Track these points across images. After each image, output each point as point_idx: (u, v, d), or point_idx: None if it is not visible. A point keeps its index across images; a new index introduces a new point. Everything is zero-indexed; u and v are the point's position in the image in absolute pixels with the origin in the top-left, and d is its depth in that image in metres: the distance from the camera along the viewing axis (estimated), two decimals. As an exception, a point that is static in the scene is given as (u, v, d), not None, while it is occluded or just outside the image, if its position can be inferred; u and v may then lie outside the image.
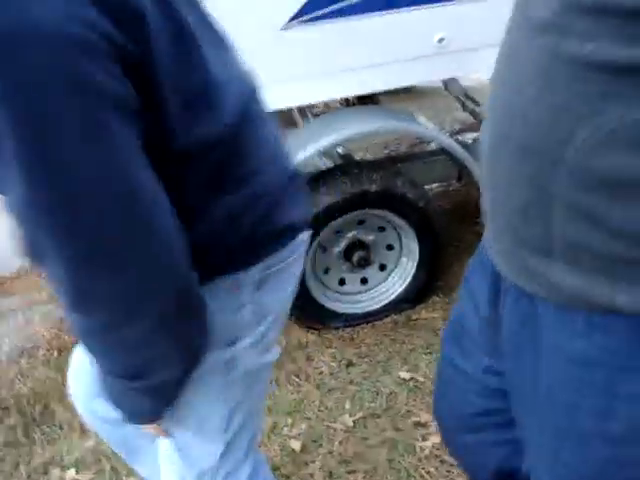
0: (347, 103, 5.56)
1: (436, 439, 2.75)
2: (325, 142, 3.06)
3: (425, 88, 5.96)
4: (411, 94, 5.69)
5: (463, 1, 3.02)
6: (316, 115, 4.20)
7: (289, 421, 2.94)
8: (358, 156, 4.87)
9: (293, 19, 2.88)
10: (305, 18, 2.89)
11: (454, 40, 3.09)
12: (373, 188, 3.16)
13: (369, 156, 5.28)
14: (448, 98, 5.19)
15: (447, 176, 3.72)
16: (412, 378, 3.11)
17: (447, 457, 2.67)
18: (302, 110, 4.09)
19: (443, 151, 3.46)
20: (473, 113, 4.89)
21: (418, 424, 2.86)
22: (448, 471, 2.63)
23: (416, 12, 3.00)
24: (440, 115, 5.65)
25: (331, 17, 2.91)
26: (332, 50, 3.01)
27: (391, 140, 5.50)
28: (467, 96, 4.93)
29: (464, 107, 4.94)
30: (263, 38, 2.89)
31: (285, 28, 2.88)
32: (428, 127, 3.33)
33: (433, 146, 4.35)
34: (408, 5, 2.97)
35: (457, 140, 3.45)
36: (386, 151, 5.38)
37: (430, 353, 3.25)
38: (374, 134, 3.33)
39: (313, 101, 3.45)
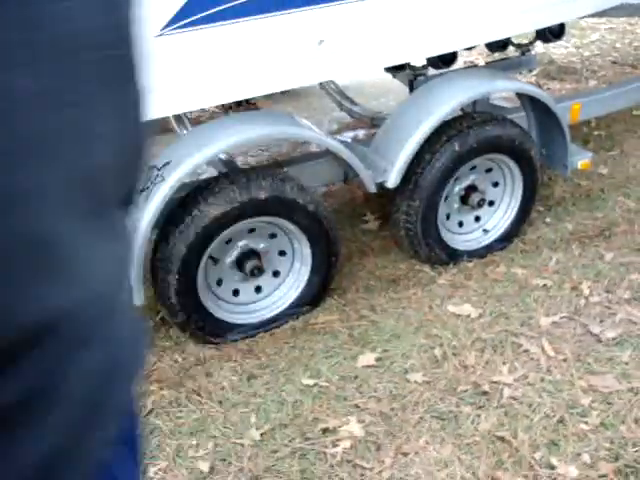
0: (224, 107, 5.49)
1: (346, 444, 2.74)
2: (212, 151, 2.99)
3: (301, 89, 5.97)
4: (286, 95, 5.68)
5: (341, 2, 3.01)
6: (192, 120, 4.10)
7: (194, 442, 2.84)
8: (239, 160, 4.81)
9: (167, 26, 2.78)
10: (179, 24, 2.80)
11: (334, 42, 3.08)
12: (262, 195, 3.11)
13: (250, 159, 5.23)
14: (323, 98, 5.22)
15: (334, 177, 3.71)
16: (315, 384, 3.08)
17: (359, 460, 2.67)
18: (178, 116, 4.00)
19: (328, 152, 3.45)
20: (350, 112, 4.94)
21: (326, 430, 2.83)
22: (361, 475, 2.62)
23: (294, 15, 2.97)
24: (317, 115, 5.66)
25: (206, 22, 2.84)
26: (209, 56, 2.94)
27: (271, 142, 5.46)
28: (343, 95, 4.98)
29: (341, 107, 4.99)
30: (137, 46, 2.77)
31: (159, 35, 2.78)
32: (314, 130, 3.31)
33: (316, 147, 4.34)
34: (285, 8, 2.94)
35: (340, 141, 3.45)
36: (267, 154, 5.33)
37: (331, 356, 3.24)
38: (262, 140, 3.29)
39: (192, 109, 3.37)
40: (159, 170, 3.02)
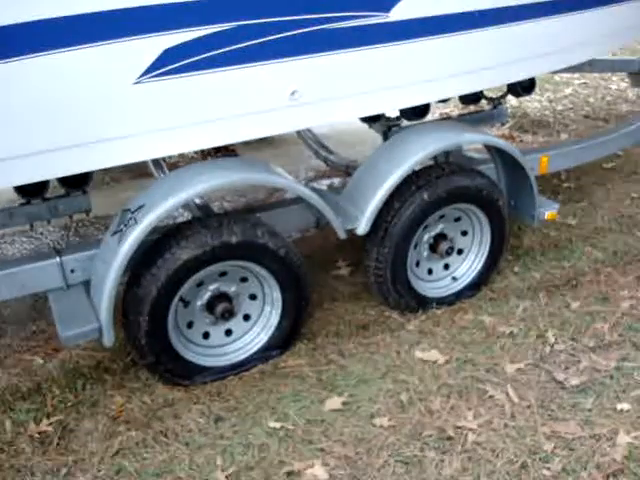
0: (202, 153, 5.58)
1: (310, 487, 2.76)
2: (185, 195, 3.04)
3: (278, 136, 6.07)
4: (265, 142, 5.78)
5: (314, 55, 3.12)
6: (171, 165, 4.18)
7: (159, 483, 2.85)
8: (215, 205, 4.88)
9: (145, 73, 2.87)
10: (158, 72, 2.88)
11: (307, 92, 3.18)
12: (234, 240, 3.17)
13: (226, 204, 5.30)
14: (301, 146, 5.32)
15: (306, 224, 3.78)
16: (282, 427, 3.10)
17: (322, 505, 2.68)
18: (156, 161, 4.07)
19: (300, 199, 3.52)
20: (326, 160, 5.04)
21: (291, 473, 2.85)
22: (324, 519, 2.64)
23: (268, 66, 3.07)
24: (294, 163, 5.76)
25: (184, 71, 2.92)
26: (186, 103, 3.02)
27: (248, 188, 5.54)
28: (320, 144, 5.09)
29: (317, 155, 5.09)
30: (116, 92, 2.85)
31: (137, 82, 2.87)
32: (285, 178, 3.38)
33: (290, 194, 4.42)
34: (260, 59, 3.03)
35: (312, 188, 3.52)
36: (243, 199, 5.41)
37: (299, 400, 3.27)
38: (234, 186, 3.35)
39: (168, 154, 3.43)
40: (132, 213, 3.07)
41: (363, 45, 3.29)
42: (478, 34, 3.64)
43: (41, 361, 3.68)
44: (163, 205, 3.01)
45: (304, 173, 5.88)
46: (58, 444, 3.10)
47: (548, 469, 2.81)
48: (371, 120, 4.84)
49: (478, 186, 3.75)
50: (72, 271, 3.29)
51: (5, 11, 2.56)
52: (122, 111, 2.93)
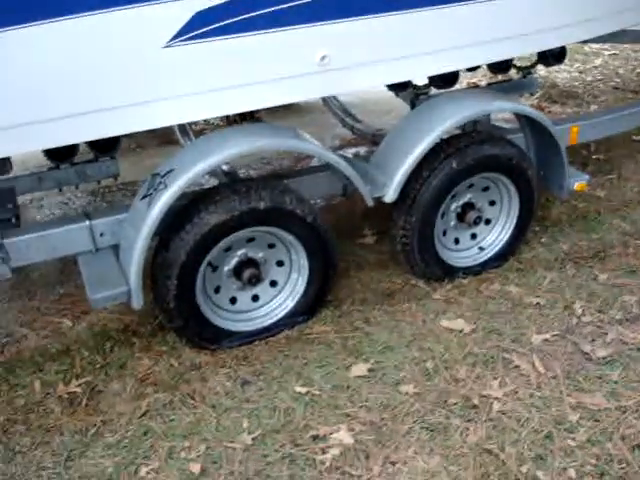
0: (228, 120, 5.57)
1: (335, 451, 2.79)
2: (215, 160, 3.05)
3: (305, 104, 6.05)
4: (291, 110, 5.76)
5: (344, 20, 3.09)
6: (197, 132, 4.18)
7: (186, 444, 2.89)
8: (241, 172, 4.89)
9: (176, 37, 2.86)
10: (188, 36, 2.87)
11: (336, 58, 3.15)
12: (262, 205, 3.17)
13: (252, 172, 5.30)
14: (327, 114, 5.30)
15: (333, 191, 3.77)
16: (308, 392, 3.13)
17: (348, 468, 2.71)
18: (183, 127, 4.07)
19: (328, 166, 3.51)
20: (352, 129, 5.02)
21: (317, 437, 2.88)
22: (349, 482, 2.67)
23: (298, 30, 3.04)
24: (320, 131, 5.73)
25: (214, 35, 2.91)
26: (216, 68, 3.01)
27: (274, 155, 5.53)
28: (346, 112, 5.06)
29: (344, 123, 5.06)
30: (146, 55, 2.85)
31: (168, 46, 2.86)
32: (315, 144, 3.37)
33: (316, 161, 4.41)
34: (290, 24, 3.01)
35: (341, 155, 3.51)
36: (269, 166, 5.40)
37: (324, 366, 3.29)
38: (263, 152, 3.35)
39: (196, 119, 3.43)
40: (162, 178, 3.08)
41: (393, 10, 3.25)
42: (506, 1, 3.59)
43: (69, 323, 3.73)
44: (192, 169, 3.02)
45: (330, 141, 5.85)
46: (86, 405, 3.15)
47: (573, 439, 2.81)
48: (399, 88, 4.81)
49: (508, 155, 3.72)
50: (101, 235, 3.31)
51: (38, -28, 2.56)
52: (152, 75, 2.93)
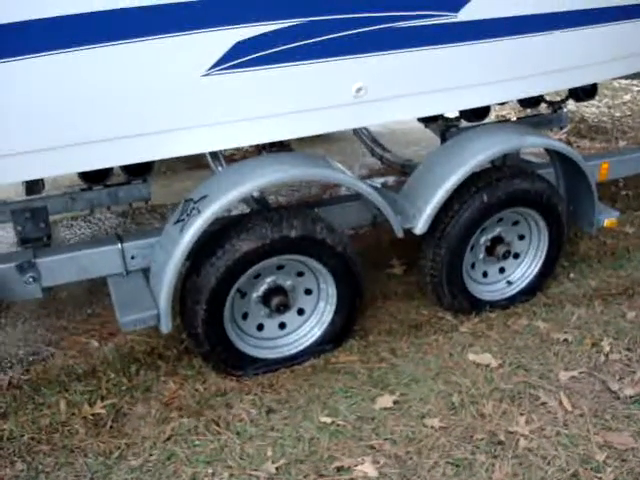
0: (257, 147, 5.61)
1: (360, 483, 2.77)
2: (248, 188, 3.07)
3: (334, 133, 6.08)
4: (319, 138, 5.79)
5: (380, 53, 3.12)
6: (227, 158, 4.21)
7: (210, 470, 2.88)
8: (270, 199, 4.91)
9: (214, 66, 2.90)
10: (227, 65, 2.91)
11: (372, 90, 3.18)
12: (293, 234, 3.19)
13: (281, 199, 5.33)
14: (355, 143, 5.33)
15: (362, 221, 3.79)
16: (333, 422, 3.11)
17: (372, 501, 2.69)
18: (214, 153, 4.10)
19: (357, 196, 3.53)
20: (381, 159, 5.04)
21: (341, 469, 2.86)
22: (373, 515, 2.64)
23: (335, 62, 3.08)
24: (348, 160, 5.76)
25: (253, 65, 2.95)
26: (253, 96, 3.05)
27: (303, 183, 5.56)
28: (375, 142, 5.08)
29: (372, 153, 5.09)
30: (185, 84, 2.89)
31: (207, 74, 2.90)
32: (346, 174, 3.39)
33: (345, 190, 4.43)
34: (328, 55, 3.04)
35: (371, 185, 3.53)
36: (297, 193, 5.43)
37: (350, 396, 3.28)
38: (296, 180, 3.37)
39: (230, 147, 3.46)
40: (195, 203, 3.11)
41: (429, 45, 3.28)
42: (543, 38, 3.61)
43: (96, 344, 3.75)
44: (226, 197, 3.04)
45: (358, 170, 5.88)
46: (111, 427, 3.15)
47: (600, 479, 2.78)
48: (429, 120, 4.83)
49: (538, 190, 3.71)
50: (132, 257, 3.35)
51: None
52: (189, 102, 2.97)
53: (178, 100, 2.95)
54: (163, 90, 2.91)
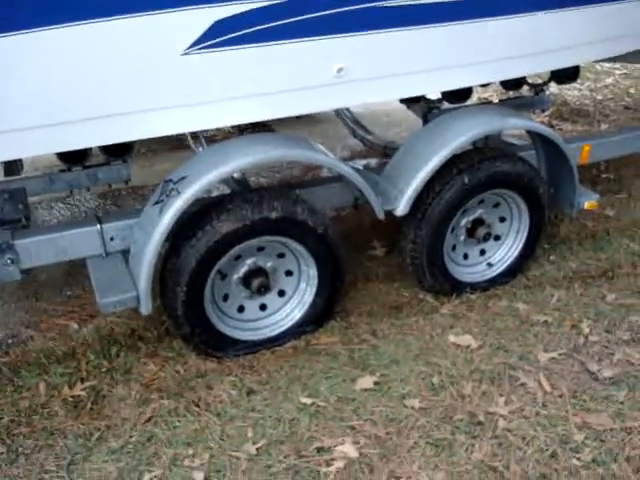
0: (239, 128, 5.58)
1: (340, 464, 2.78)
2: (228, 169, 3.06)
3: (315, 114, 6.06)
4: (301, 120, 5.77)
5: (362, 33, 3.09)
6: (209, 139, 4.18)
7: (190, 452, 2.88)
8: (251, 180, 4.89)
9: (193, 45, 2.87)
10: (206, 44, 2.88)
11: (353, 70, 3.16)
12: (274, 215, 3.17)
13: (262, 180, 5.31)
14: (337, 124, 5.31)
15: (344, 202, 3.78)
16: (313, 403, 3.12)
17: (351, 481, 2.70)
18: (195, 134, 4.07)
19: (339, 177, 3.51)
20: (363, 140, 5.03)
21: (321, 449, 2.87)
22: (353, 495, 2.66)
23: (315, 42, 3.05)
24: (330, 141, 5.75)
25: (232, 44, 2.92)
26: (233, 76, 3.02)
27: (284, 164, 5.54)
28: (357, 123, 5.07)
29: (354, 134, 5.07)
30: (164, 63, 2.86)
31: (185, 54, 2.87)
32: (328, 155, 3.37)
33: (327, 172, 4.41)
34: (308, 35, 3.02)
35: (353, 167, 3.51)
36: (279, 175, 5.41)
37: (330, 377, 3.28)
38: (277, 161, 3.35)
39: (211, 127, 3.44)
40: (175, 184, 3.09)
41: (411, 25, 3.26)
42: (524, 19, 3.59)
43: (76, 326, 3.73)
44: (206, 178, 3.02)
45: (340, 152, 5.86)
46: (91, 409, 3.15)
47: (578, 459, 2.80)
48: (411, 101, 4.82)
49: (519, 172, 3.72)
50: (112, 239, 3.32)
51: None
52: (169, 82, 2.94)
53: (157, 79, 2.92)
54: (142, 69, 2.87)
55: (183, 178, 3.08)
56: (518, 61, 3.73)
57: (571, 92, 7.72)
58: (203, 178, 3.01)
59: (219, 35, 2.87)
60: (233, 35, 2.89)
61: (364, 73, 3.23)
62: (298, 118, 5.42)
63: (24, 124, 2.78)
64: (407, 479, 2.73)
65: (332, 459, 2.82)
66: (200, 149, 3.72)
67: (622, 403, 3.10)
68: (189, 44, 2.85)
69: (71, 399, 3.19)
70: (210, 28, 2.84)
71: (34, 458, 2.89)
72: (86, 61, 2.76)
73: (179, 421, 3.05)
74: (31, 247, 3.21)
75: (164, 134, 3.10)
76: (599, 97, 7.70)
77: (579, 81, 7.55)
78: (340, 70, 3.14)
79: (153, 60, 2.87)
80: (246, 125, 5.44)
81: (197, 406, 3.13)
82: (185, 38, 2.84)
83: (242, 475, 2.76)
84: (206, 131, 4.10)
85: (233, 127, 5.78)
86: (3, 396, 3.21)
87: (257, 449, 2.88)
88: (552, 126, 6.57)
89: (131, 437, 2.98)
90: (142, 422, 3.05)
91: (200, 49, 2.88)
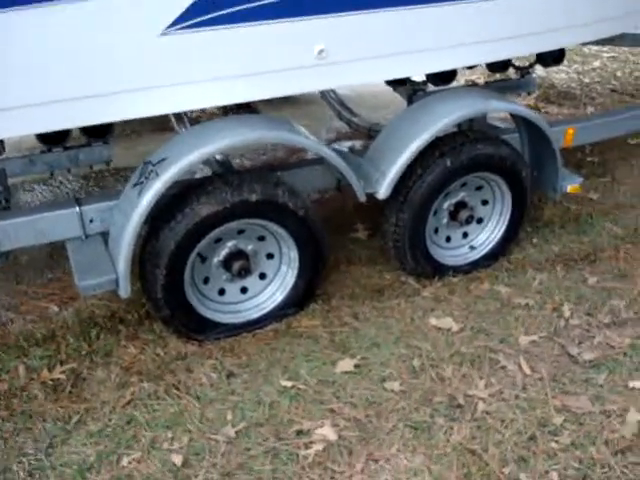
0: (224, 109, 5.54)
1: (319, 447, 2.78)
2: (208, 150, 3.03)
3: (301, 96, 6.02)
4: (287, 102, 5.73)
5: (342, 14, 3.07)
6: (193, 120, 4.15)
7: (169, 435, 2.88)
8: (235, 162, 4.86)
9: (172, 25, 2.83)
10: (185, 24, 2.85)
11: (334, 52, 3.13)
12: (254, 197, 3.15)
13: (246, 162, 5.28)
14: (323, 106, 5.28)
15: (326, 185, 3.76)
16: (293, 386, 3.12)
17: (330, 464, 2.71)
18: (178, 115, 4.04)
19: (321, 160, 3.50)
20: (349, 122, 4.99)
21: (301, 432, 2.87)
22: (332, 478, 2.66)
23: (296, 23, 3.02)
24: (316, 123, 5.71)
25: (211, 24, 2.89)
26: (212, 57, 3.00)
27: (268, 146, 5.51)
28: (343, 105, 5.03)
29: (340, 116, 5.04)
30: (142, 43, 2.83)
31: (164, 34, 2.84)
32: (308, 137, 3.35)
33: (311, 154, 4.39)
34: (288, 16, 2.99)
35: (334, 149, 3.49)
36: (263, 157, 5.38)
37: (311, 360, 3.28)
38: (257, 143, 3.33)
39: (191, 108, 3.41)
40: (154, 166, 3.06)
41: (393, 6, 3.23)
42: (508, 0, 3.57)
43: (56, 309, 3.71)
44: (185, 159, 3.00)
45: (325, 134, 5.84)
46: (70, 392, 3.14)
47: (557, 442, 2.81)
48: (396, 83, 4.79)
49: (502, 155, 3.71)
50: (91, 221, 3.30)
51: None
52: (148, 62, 2.91)
53: (136, 59, 2.89)
54: (121, 49, 2.84)
55: (162, 160, 3.06)
56: (502, 43, 3.71)
57: (558, 75, 7.71)
58: (183, 160, 2.99)
59: (198, 15, 2.85)
60: (212, 15, 2.87)
61: (346, 55, 3.20)
62: (284, 99, 5.40)
63: (4, 104, 2.74)
64: (385, 462, 2.74)
65: (311, 442, 2.82)
66: (183, 130, 3.69)
67: (602, 386, 3.11)
68: (167, 24, 2.82)
69: (50, 382, 3.18)
70: (188, 8, 2.80)
71: (12, 441, 2.88)
72: (65, 41, 2.73)
73: (159, 404, 3.04)
74: (9, 229, 3.18)
75: (145, 115, 3.07)
76: (586, 80, 7.69)
77: (566, 64, 7.56)
78: (321, 51, 3.11)
79: (132, 40, 2.84)
80: (230, 107, 5.42)
81: (177, 389, 3.12)
82: (163, 18, 2.81)
83: (221, 458, 2.76)
84: (190, 112, 4.08)
85: (218, 109, 5.76)
86: (-18, 379, 3.19)
87: (236, 432, 2.88)
88: (538, 109, 6.55)
89: (110, 420, 2.97)
90: (121, 405, 3.04)
91: (178, 29, 2.85)
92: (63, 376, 3.20)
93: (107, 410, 3.02)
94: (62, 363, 3.28)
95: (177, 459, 2.74)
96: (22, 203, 4.83)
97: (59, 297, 3.82)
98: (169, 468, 2.71)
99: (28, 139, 3.85)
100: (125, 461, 2.75)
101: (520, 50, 4.03)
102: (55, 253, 4.13)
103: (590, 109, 6.73)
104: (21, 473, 2.73)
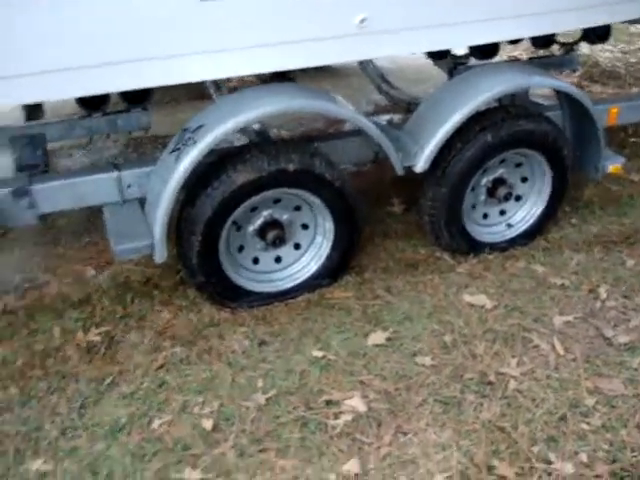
0: (261, 79, 5.51)
1: (348, 417, 2.79)
2: (245, 118, 3.02)
3: (341, 68, 5.98)
4: (326, 73, 5.70)
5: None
6: (231, 89, 4.13)
7: (200, 399, 2.91)
8: (273, 132, 4.85)
9: (213, -9, 2.82)
10: (225, -10, 2.83)
11: (376, 21, 3.09)
12: (291, 167, 3.14)
13: (284, 132, 5.26)
14: (362, 79, 5.22)
15: (363, 157, 3.73)
16: (324, 356, 3.13)
17: (359, 435, 2.71)
18: (217, 83, 4.03)
19: (360, 132, 3.47)
20: (388, 95, 4.94)
21: (330, 402, 2.88)
22: (359, 449, 2.66)
23: (338, -9, 2.99)
24: (354, 95, 5.67)
25: (253, -9, 2.86)
26: (254, 24, 2.97)
27: (306, 117, 5.49)
28: (382, 78, 4.97)
29: (379, 89, 4.98)
30: (183, 8, 2.81)
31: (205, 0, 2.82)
32: (347, 108, 3.32)
33: (349, 126, 4.36)
34: (331, -16, 2.95)
35: (373, 121, 3.46)
36: (302, 128, 5.36)
37: (342, 332, 3.28)
38: (295, 112, 3.30)
39: (231, 75, 3.39)
40: (192, 133, 3.06)
41: (438, -24, 3.18)
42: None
43: (93, 272, 3.76)
44: (222, 127, 2.99)
45: (364, 106, 5.79)
46: (104, 354, 3.18)
47: (587, 424, 2.78)
48: (437, 56, 4.73)
49: (544, 132, 3.64)
50: (129, 186, 3.32)
51: None
52: (188, 28, 2.90)
53: (177, 25, 2.88)
54: (161, 15, 2.83)
55: (200, 127, 3.06)
56: (546, 17, 3.63)
57: (603, 54, 7.55)
58: (220, 127, 2.99)
59: (240, -19, 2.82)
60: (254, -19, 2.84)
61: (387, 24, 3.16)
62: (323, 71, 5.36)
63: (44, 67, 2.76)
64: (414, 435, 2.74)
65: (340, 412, 2.83)
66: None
67: (636, 370, 3.07)
68: (209, -10, 2.80)
69: (85, 344, 3.22)
70: (231, -26, 2.78)
71: (46, 400, 2.93)
72: (106, 5, 2.72)
73: (190, 369, 3.07)
74: (48, 192, 3.22)
75: (184, 81, 3.07)
76: (632, 60, 7.52)
77: (612, 43, 7.38)
78: (363, 20, 3.07)
79: (174, 6, 2.82)
80: (268, 76, 5.40)
81: (209, 355, 3.15)
82: (205, -16, 2.79)
83: (250, 424, 2.78)
84: (228, 80, 4.06)
85: (255, 78, 5.74)
86: (18, 339, 3.25)
87: (266, 399, 2.90)
88: (582, 87, 6.42)
89: (142, 383, 3.00)
90: (154, 369, 3.08)
91: (221, -5, 2.83)
92: (97, 338, 3.25)
93: (139, 373, 3.05)
94: (97, 326, 3.33)
95: (207, 424, 2.77)
96: (61, 168, 4.88)
97: (95, 261, 3.86)
98: (199, 432, 2.74)
99: (68, 104, 3.87)
100: (156, 424, 2.79)
101: (564, 25, 3.93)
102: (93, 217, 4.17)
103: (635, 89, 6.59)
104: (54, 432, 2.77)
